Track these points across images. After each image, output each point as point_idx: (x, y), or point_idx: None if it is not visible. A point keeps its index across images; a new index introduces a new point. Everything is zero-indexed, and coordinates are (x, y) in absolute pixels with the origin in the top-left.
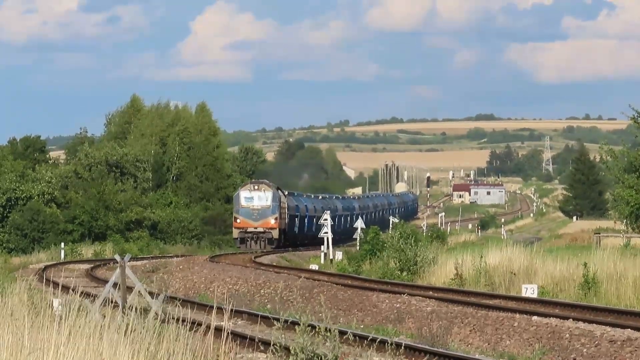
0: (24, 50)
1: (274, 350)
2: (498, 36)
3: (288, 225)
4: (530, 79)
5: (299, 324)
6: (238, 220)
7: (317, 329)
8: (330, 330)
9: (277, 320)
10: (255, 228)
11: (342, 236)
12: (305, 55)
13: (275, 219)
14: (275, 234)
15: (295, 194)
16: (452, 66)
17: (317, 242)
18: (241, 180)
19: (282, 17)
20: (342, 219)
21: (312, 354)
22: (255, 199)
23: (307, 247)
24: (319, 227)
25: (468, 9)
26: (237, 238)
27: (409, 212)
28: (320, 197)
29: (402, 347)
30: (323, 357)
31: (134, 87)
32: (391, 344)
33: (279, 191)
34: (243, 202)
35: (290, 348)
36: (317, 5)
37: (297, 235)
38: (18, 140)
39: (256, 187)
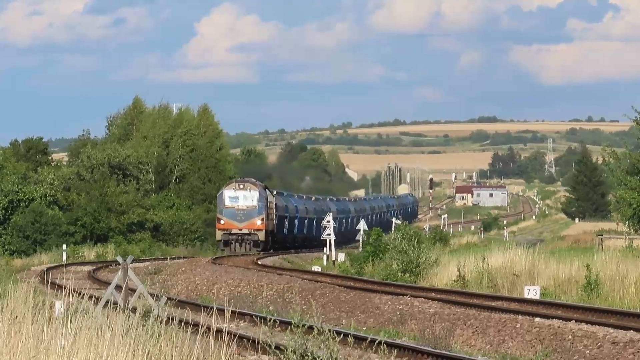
0: (28, 52)
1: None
2: (503, 38)
3: (276, 226)
4: (534, 81)
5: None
6: (222, 222)
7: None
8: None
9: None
10: (240, 230)
11: (337, 239)
12: (310, 57)
13: (262, 219)
14: (261, 235)
15: (285, 194)
16: (457, 68)
17: (308, 245)
18: None
19: (287, 19)
20: (337, 222)
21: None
22: (241, 199)
23: (297, 249)
24: (311, 229)
25: (473, 10)
26: (220, 240)
27: (408, 214)
28: (313, 199)
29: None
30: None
31: (138, 89)
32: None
33: (266, 190)
34: (227, 202)
35: (290, 349)
36: (323, 7)
37: (286, 237)
38: (20, 142)
39: (241, 186)
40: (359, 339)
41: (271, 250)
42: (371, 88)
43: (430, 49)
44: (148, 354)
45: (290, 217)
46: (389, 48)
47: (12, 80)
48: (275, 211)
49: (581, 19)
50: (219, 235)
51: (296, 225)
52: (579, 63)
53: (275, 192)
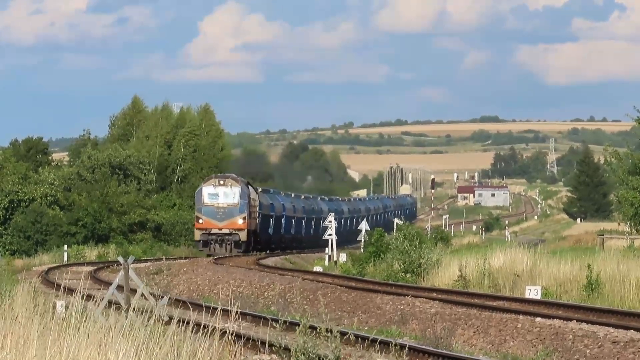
0: (30, 51)
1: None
2: (508, 38)
3: (260, 226)
4: (539, 81)
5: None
6: (200, 221)
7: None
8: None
9: (278, 323)
10: (220, 229)
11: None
12: (315, 57)
13: (244, 218)
14: (243, 235)
15: (271, 192)
16: (462, 68)
17: (297, 246)
18: None
19: (292, 19)
20: None
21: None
22: (221, 196)
23: (285, 250)
24: (300, 229)
25: (478, 10)
26: (199, 240)
27: (406, 215)
28: (302, 197)
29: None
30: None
31: (141, 89)
32: (395, 345)
33: (249, 187)
34: (206, 200)
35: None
36: (328, 7)
37: (271, 237)
38: (20, 141)
39: (221, 182)
40: (361, 338)
41: (254, 252)
42: (375, 88)
43: (435, 49)
44: (151, 354)
45: (277, 216)
46: (393, 48)
47: (13, 79)
48: (259, 209)
49: (587, 18)
50: (197, 235)
51: (283, 225)
52: (584, 62)
53: (260, 189)
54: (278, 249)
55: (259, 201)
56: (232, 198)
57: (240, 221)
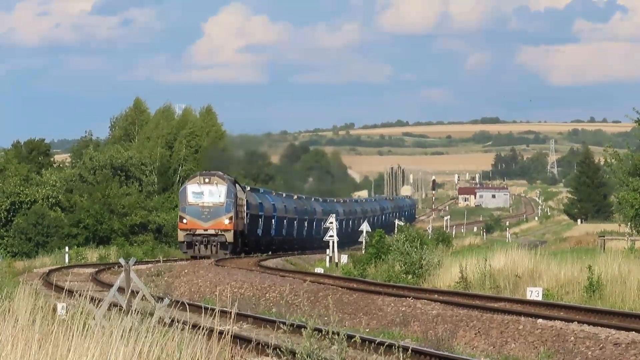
0: (35, 53)
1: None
2: (510, 39)
3: (248, 226)
4: (542, 82)
5: (305, 327)
6: (184, 221)
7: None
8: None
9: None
10: (205, 230)
11: (323, 243)
12: (318, 58)
13: (230, 218)
14: (229, 236)
15: (261, 191)
16: (464, 69)
17: (288, 248)
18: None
19: (296, 20)
20: (322, 224)
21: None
22: (206, 195)
23: (276, 253)
24: (291, 230)
25: (481, 11)
26: (183, 242)
27: (405, 217)
28: (295, 197)
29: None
30: None
31: (144, 90)
32: (398, 348)
33: (236, 185)
34: (191, 199)
35: (297, 352)
36: (331, 7)
37: (260, 238)
38: (22, 143)
39: (207, 180)
40: (365, 341)
41: (242, 254)
42: (377, 89)
43: (437, 50)
44: (152, 356)
45: (266, 216)
46: (395, 49)
47: (18, 81)
48: (247, 209)
49: (588, 19)
50: (181, 236)
51: (273, 226)
52: (586, 64)
53: (248, 188)
54: (268, 251)
55: (247, 200)
56: (217, 197)
57: (227, 221)
